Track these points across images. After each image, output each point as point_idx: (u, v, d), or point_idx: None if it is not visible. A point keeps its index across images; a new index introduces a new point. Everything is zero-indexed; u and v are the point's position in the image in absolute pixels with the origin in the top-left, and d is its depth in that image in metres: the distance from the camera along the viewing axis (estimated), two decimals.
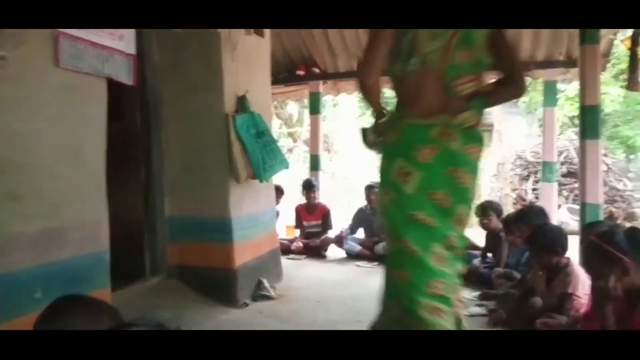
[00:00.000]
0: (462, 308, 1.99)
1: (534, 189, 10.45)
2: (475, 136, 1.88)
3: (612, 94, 12.33)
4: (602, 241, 1.85)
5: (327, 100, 16.82)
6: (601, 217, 3.30)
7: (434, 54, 1.80)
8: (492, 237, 4.14)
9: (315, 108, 6.28)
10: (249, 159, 3.50)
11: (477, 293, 3.76)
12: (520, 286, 3.24)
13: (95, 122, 2.49)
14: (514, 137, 12.75)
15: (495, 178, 11.41)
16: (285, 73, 6.12)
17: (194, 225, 3.61)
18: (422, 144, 1.81)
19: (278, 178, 5.73)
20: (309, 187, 5.62)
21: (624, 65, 12.06)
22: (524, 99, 14.42)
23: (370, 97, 1.95)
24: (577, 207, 9.48)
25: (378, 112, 1.95)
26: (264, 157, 3.56)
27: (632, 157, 12.41)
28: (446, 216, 1.81)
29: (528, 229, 3.12)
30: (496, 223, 4.07)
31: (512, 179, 10.81)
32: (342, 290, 4.00)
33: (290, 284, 4.15)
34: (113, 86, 2.66)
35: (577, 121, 13.50)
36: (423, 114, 1.83)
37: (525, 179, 10.63)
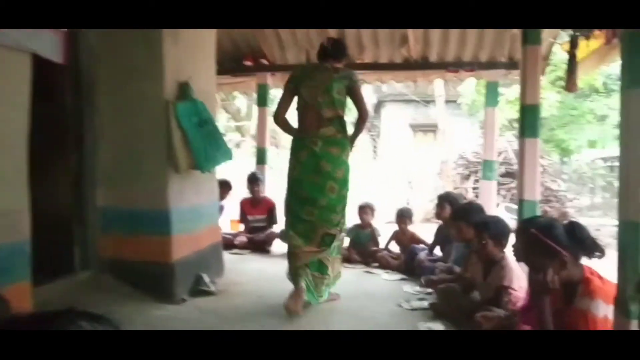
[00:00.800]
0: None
1: (474, 188, 10.82)
2: (334, 141, 3.15)
3: (549, 99, 12.98)
4: (542, 234, 1.87)
5: (275, 94, 16.74)
6: (538, 214, 3.40)
7: (310, 98, 3.15)
8: (442, 230, 4.22)
9: (262, 100, 6.15)
10: (190, 149, 3.35)
11: (418, 287, 3.80)
12: (459, 280, 3.29)
13: (17, 101, 2.28)
14: (456, 137, 13.14)
15: (439, 176, 11.74)
16: (232, 63, 5.96)
17: (130, 217, 3.42)
18: (301, 150, 3.19)
19: (225, 173, 5.57)
20: (253, 180, 5.51)
21: (561, 71, 12.74)
22: (466, 100, 14.94)
23: (284, 129, 3.39)
24: (515, 206, 9.94)
25: (291, 133, 3.33)
26: (206, 147, 3.42)
27: (565, 159, 13.10)
28: (320, 188, 3.14)
29: (467, 226, 3.18)
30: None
31: (454, 178, 11.14)
32: (286, 285, 3.92)
33: (231, 279, 4.03)
34: (40, 64, 2.45)
35: (516, 124, 14.11)
36: (304, 131, 3.21)
37: (466, 178, 10.99)
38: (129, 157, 3.42)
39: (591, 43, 3.26)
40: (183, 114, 3.33)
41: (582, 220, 10.25)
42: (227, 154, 3.65)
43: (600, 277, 1.85)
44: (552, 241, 1.84)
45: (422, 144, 17.68)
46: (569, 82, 3.29)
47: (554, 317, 1.84)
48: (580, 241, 1.86)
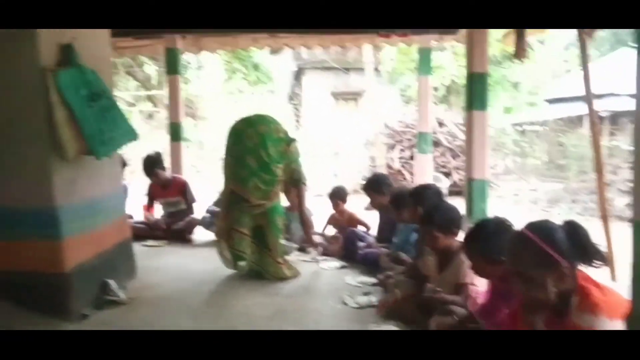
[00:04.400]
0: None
1: (400, 158, 10.74)
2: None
3: None
4: (539, 239, 1.51)
5: (190, 60, 15.51)
6: (487, 194, 3.13)
7: None
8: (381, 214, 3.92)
9: (173, 67, 5.36)
10: (80, 129, 2.66)
11: (361, 278, 3.44)
12: (411, 272, 2.95)
13: None
14: (380, 106, 12.95)
15: (366, 146, 11.53)
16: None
17: (5, 218, 2.69)
18: None
19: (137, 150, 4.77)
20: (149, 164, 4.74)
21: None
22: (387, 68, 14.78)
23: None
24: (441, 175, 9.96)
25: None
26: (100, 126, 2.75)
27: None
28: None
29: (421, 209, 2.81)
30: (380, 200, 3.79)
31: (382, 148, 10.98)
32: (211, 286, 3.40)
33: (146, 280, 3.43)
34: None
35: (436, 92, 14.13)
36: None
37: (392, 147, 10.86)
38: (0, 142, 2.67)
39: None
40: (67, 85, 2.61)
41: (502, 184, 10.55)
42: (128, 134, 2.99)
43: (597, 285, 1.53)
44: (553, 248, 1.49)
45: (344, 112, 17.45)
46: (519, 48, 2.98)
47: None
48: (581, 246, 1.52)
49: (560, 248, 1.49)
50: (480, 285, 2.50)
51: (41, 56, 2.58)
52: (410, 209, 3.04)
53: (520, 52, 2.98)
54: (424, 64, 5.04)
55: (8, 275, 2.71)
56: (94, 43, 3.02)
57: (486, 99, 3.11)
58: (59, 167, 2.70)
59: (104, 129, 2.77)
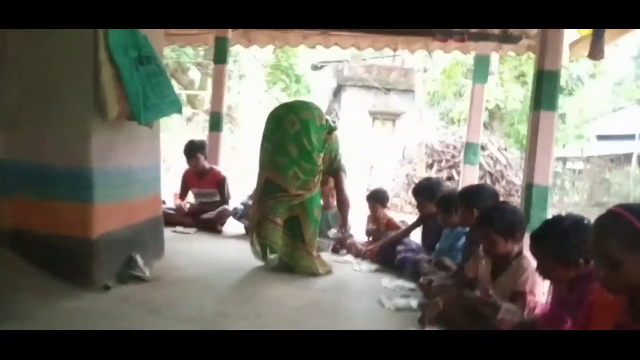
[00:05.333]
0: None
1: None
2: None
3: (513, 92, 12.82)
4: (636, 218, 1.28)
5: (232, 69, 15.71)
6: (548, 202, 2.87)
7: None
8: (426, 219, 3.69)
9: (221, 56, 5.29)
10: (125, 91, 2.56)
11: (398, 282, 3.20)
12: (458, 277, 2.70)
13: None
14: (420, 125, 12.75)
15: (400, 163, 11.37)
16: None
17: (38, 175, 2.60)
18: None
19: (166, 146, 4.66)
20: (191, 150, 4.62)
21: (525, 67, 12.49)
22: (428, 89, 14.61)
23: None
24: None
25: None
26: (146, 91, 2.64)
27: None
28: None
29: (476, 210, 2.57)
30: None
31: (416, 165, 10.78)
32: (240, 273, 3.23)
33: (173, 262, 3.28)
34: None
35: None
36: None
37: (429, 166, 10.63)
38: (40, 96, 2.60)
39: None
40: (117, 44, 2.53)
41: None
42: (174, 104, 2.89)
43: None
44: None
45: (381, 132, 17.30)
46: (595, 48, 2.74)
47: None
48: None
49: None
50: (538, 295, 2.25)
51: None
52: (463, 212, 2.79)
53: (596, 52, 2.73)
54: (480, 72, 4.83)
55: (35, 236, 2.60)
56: None
57: (556, 98, 2.88)
58: (99, 129, 2.60)
59: (149, 95, 2.67)
